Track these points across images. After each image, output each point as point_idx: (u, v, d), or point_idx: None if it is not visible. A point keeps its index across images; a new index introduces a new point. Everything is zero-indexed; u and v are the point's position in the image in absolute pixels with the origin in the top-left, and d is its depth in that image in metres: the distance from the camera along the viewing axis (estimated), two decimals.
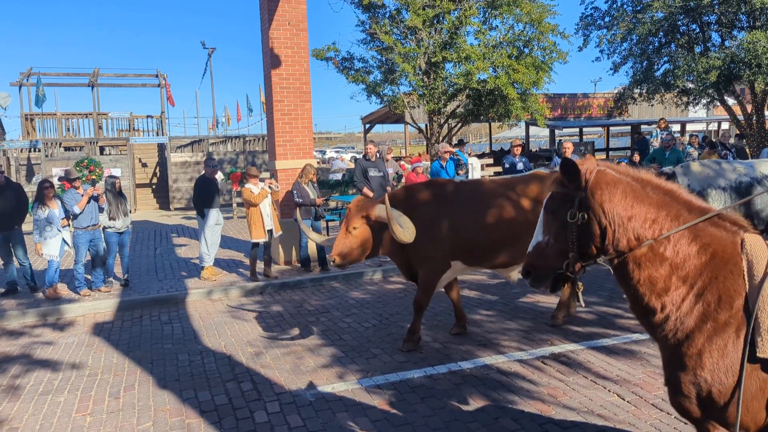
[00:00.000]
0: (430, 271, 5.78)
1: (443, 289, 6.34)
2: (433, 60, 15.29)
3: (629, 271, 2.53)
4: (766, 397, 2.28)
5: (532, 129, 28.85)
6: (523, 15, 15.57)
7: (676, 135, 19.06)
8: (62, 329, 7.33)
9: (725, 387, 2.27)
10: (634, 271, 2.52)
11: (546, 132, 28.08)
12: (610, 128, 28.06)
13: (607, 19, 20.25)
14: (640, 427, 4.08)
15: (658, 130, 14.77)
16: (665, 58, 19.91)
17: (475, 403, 4.57)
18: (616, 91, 22.57)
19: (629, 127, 24.29)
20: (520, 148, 11.14)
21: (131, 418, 4.65)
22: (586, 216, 2.56)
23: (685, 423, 4.06)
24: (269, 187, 9.19)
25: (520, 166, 10.61)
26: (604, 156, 24.56)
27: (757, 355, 2.24)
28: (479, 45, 15.52)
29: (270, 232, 9.09)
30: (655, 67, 19.90)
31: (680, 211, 2.50)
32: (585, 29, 20.81)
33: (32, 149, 21.61)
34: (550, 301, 7.28)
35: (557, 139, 22.31)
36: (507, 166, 10.78)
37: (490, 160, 21.77)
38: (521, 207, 5.82)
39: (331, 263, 5.58)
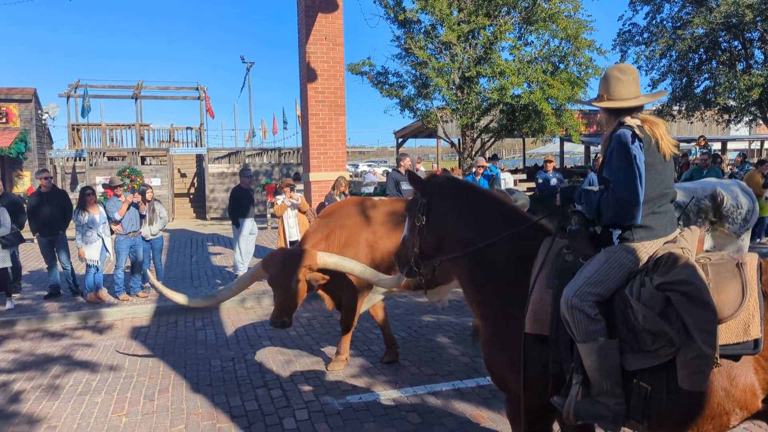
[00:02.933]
0: (353, 292, 5.61)
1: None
2: (467, 75, 15.35)
3: (459, 267, 3.08)
4: (539, 368, 2.71)
5: (567, 145, 28.63)
6: (559, 31, 15.55)
7: (716, 153, 18.67)
8: (101, 332, 7.56)
9: (515, 360, 2.74)
10: (462, 268, 3.06)
11: (581, 148, 27.83)
12: None
13: (645, 35, 20.06)
14: None
15: (697, 148, 14.52)
16: (706, 75, 19.61)
17: (503, 418, 4.56)
18: (654, 108, 22.28)
19: None
20: (553, 164, 11.10)
21: (165, 420, 4.78)
22: (425, 220, 3.10)
23: None
24: (289, 200, 9.21)
25: (553, 181, 10.57)
26: None
27: (525, 331, 2.71)
28: (514, 60, 15.53)
29: (293, 243, 9.17)
30: (695, 84, 19.62)
31: (503, 218, 2.99)
32: (623, 45, 20.63)
33: (78, 158, 22.34)
34: None
35: (592, 155, 22.07)
36: (540, 181, 10.75)
37: (523, 176, 21.69)
38: None
39: (276, 326, 5.13)
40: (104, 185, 13.30)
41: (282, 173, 23.24)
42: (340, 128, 10.54)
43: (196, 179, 25.22)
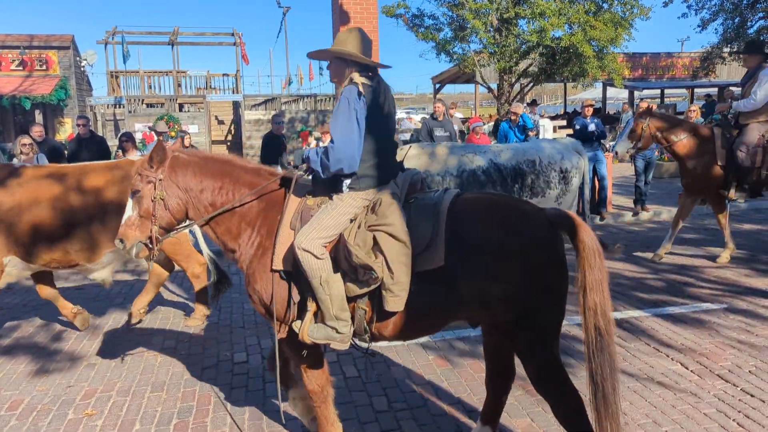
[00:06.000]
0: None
1: None
2: (505, 16, 14.82)
3: (212, 229, 3.26)
4: (285, 299, 3.05)
5: (611, 90, 27.61)
6: None
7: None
8: (139, 275, 7.79)
9: (268, 293, 3.06)
10: (216, 228, 3.25)
11: (626, 94, 26.87)
12: (695, 90, 26.46)
13: None
14: (703, 397, 3.96)
15: None
16: (760, 14, 18.49)
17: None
18: (703, 51, 21.22)
19: (716, 89, 22.82)
20: (591, 109, 10.68)
21: (198, 360, 4.92)
22: (164, 194, 3.15)
23: (752, 395, 3.93)
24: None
25: (591, 127, 10.21)
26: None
27: (273, 268, 3.01)
28: (555, 0, 14.89)
29: None
30: (749, 23, 18.54)
31: (239, 174, 3.24)
32: None
33: (117, 105, 22.65)
34: (613, 266, 7.12)
35: (636, 100, 21.27)
36: (578, 127, 10.40)
37: (563, 122, 21.12)
38: (66, 201, 5.03)
39: None
40: (151, 128, 13.48)
41: (318, 120, 23.14)
42: None
43: (233, 126, 25.34)
